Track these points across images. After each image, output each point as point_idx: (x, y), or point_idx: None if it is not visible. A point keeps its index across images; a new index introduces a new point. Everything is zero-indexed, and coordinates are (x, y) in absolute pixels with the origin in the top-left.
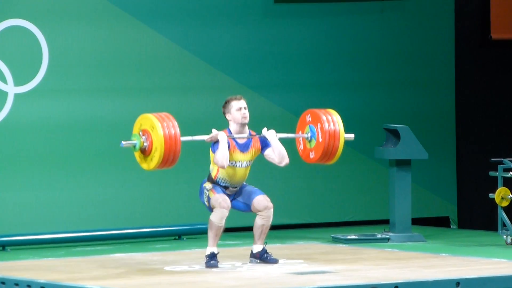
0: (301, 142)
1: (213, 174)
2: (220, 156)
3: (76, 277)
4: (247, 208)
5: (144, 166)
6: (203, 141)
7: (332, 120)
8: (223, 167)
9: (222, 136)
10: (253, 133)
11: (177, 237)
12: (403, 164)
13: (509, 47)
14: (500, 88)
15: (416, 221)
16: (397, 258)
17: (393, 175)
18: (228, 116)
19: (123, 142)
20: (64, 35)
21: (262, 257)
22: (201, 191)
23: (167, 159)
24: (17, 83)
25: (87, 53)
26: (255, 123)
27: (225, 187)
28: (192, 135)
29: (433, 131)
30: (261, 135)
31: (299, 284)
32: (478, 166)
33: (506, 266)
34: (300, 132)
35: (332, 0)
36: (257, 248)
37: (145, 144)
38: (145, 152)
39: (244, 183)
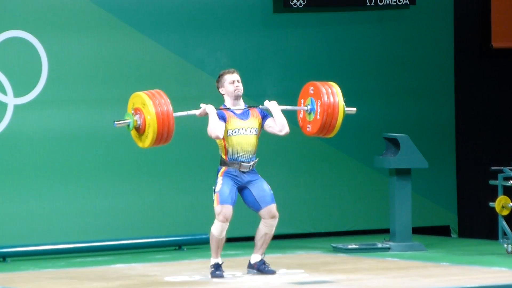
0: (302, 113)
1: (222, 154)
2: (212, 127)
3: None
4: (256, 206)
5: (140, 144)
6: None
7: (332, 93)
8: (217, 137)
9: (210, 108)
10: (249, 106)
11: (177, 247)
12: (403, 173)
13: (510, 56)
14: (500, 97)
15: (417, 230)
16: (398, 267)
17: (393, 184)
18: (221, 90)
19: (116, 122)
20: (64, 46)
21: (260, 268)
22: (215, 182)
23: (161, 136)
24: (17, 94)
25: (86, 64)
26: None
27: (239, 165)
28: (194, 145)
29: (433, 140)
30: (263, 106)
31: None
32: (478, 175)
33: (507, 275)
34: (302, 104)
35: (331, 10)
36: (255, 258)
37: (138, 122)
38: (139, 130)
39: (258, 174)
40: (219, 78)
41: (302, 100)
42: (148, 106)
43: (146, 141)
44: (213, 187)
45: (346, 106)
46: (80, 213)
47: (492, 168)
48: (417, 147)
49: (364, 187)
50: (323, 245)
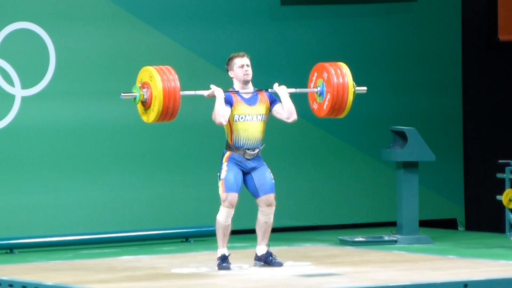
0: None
1: (228, 139)
2: (217, 112)
3: (83, 280)
4: (255, 193)
5: (144, 118)
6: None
7: (341, 73)
8: (220, 124)
9: (218, 92)
10: (258, 89)
11: (184, 240)
12: (410, 166)
13: None
14: (508, 90)
15: (424, 223)
16: (405, 260)
17: (400, 177)
18: (231, 74)
19: (123, 94)
20: (71, 38)
21: (267, 260)
22: (220, 168)
23: (167, 111)
24: (24, 86)
25: (94, 56)
26: None
27: (243, 152)
28: (201, 138)
29: (440, 133)
30: (272, 90)
31: (306, 287)
32: (486, 168)
33: None
34: (312, 86)
35: (339, 2)
36: (261, 250)
37: (145, 96)
38: (145, 104)
39: (263, 161)
40: (229, 61)
41: (312, 82)
42: (156, 80)
43: (151, 116)
44: (218, 173)
45: (356, 86)
46: (87, 205)
47: (500, 161)
48: (425, 140)
49: (371, 180)
50: (330, 237)
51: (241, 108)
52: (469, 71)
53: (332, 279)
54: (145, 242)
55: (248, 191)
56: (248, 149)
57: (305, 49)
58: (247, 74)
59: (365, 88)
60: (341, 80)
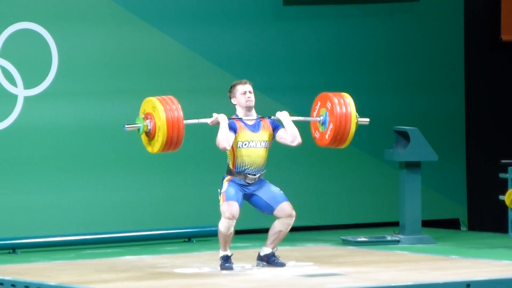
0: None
1: (230, 164)
2: (221, 138)
3: (86, 280)
4: (269, 208)
5: (149, 149)
6: (212, 143)
7: (344, 103)
8: (224, 149)
9: (222, 118)
10: (261, 116)
11: (187, 239)
12: (412, 166)
13: None
14: (510, 90)
15: (426, 223)
16: (407, 260)
17: (402, 177)
18: (233, 101)
19: (127, 126)
20: (73, 38)
21: (270, 260)
22: (220, 187)
23: (171, 142)
24: (27, 86)
25: (96, 56)
26: None
27: (245, 177)
28: (202, 139)
29: (443, 133)
30: (274, 117)
31: (309, 287)
32: (488, 168)
33: None
34: (315, 115)
35: (341, 2)
36: (266, 250)
37: (148, 127)
38: (149, 135)
39: (263, 178)
40: (231, 88)
41: (316, 111)
42: (159, 111)
43: (156, 146)
44: (218, 189)
45: (359, 117)
46: (90, 205)
47: (502, 161)
48: (427, 140)
49: (373, 180)
50: (332, 237)
51: (245, 134)
52: (471, 71)
53: (334, 279)
54: (148, 242)
55: (262, 211)
56: (249, 174)
57: (308, 49)
58: (249, 100)
59: (367, 119)
60: (344, 110)
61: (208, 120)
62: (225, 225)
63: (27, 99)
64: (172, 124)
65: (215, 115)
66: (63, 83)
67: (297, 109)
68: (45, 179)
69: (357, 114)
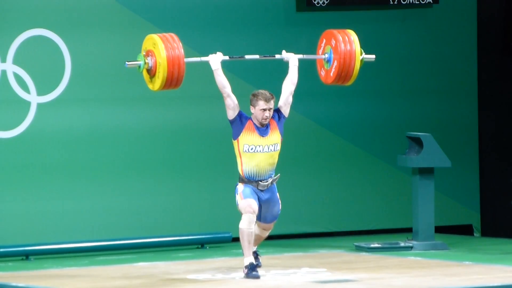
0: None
1: (240, 171)
2: (218, 85)
3: (99, 286)
4: (257, 216)
5: (150, 86)
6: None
7: (349, 40)
8: (222, 87)
9: (214, 63)
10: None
11: (200, 246)
12: (426, 172)
13: None
14: None
15: (439, 229)
16: (420, 266)
17: (416, 183)
18: (252, 109)
19: (127, 63)
20: (86, 45)
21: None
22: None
23: (171, 79)
24: (40, 92)
25: (109, 62)
26: None
27: (257, 184)
28: (217, 144)
29: (456, 139)
30: (280, 56)
31: None
32: (501, 174)
33: None
34: (320, 53)
35: (354, 9)
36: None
37: (149, 64)
38: (150, 72)
39: (276, 193)
40: (255, 97)
41: (321, 49)
42: (160, 48)
43: (157, 83)
44: (234, 192)
45: (365, 54)
46: (103, 211)
47: None
48: (440, 146)
49: (387, 186)
50: (345, 244)
51: (252, 138)
52: (484, 76)
53: (347, 285)
54: (161, 248)
55: None
56: (261, 181)
57: None
58: (265, 119)
59: (373, 56)
60: (348, 47)
61: (207, 59)
62: (245, 220)
63: (40, 105)
64: (172, 61)
65: (211, 56)
66: (76, 90)
67: (310, 115)
68: (59, 185)
69: (362, 50)
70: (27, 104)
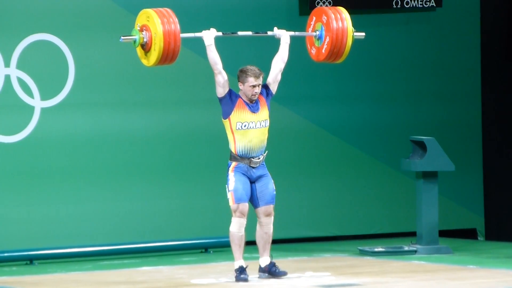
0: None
1: (232, 149)
2: (210, 61)
3: None
4: (255, 202)
5: (145, 62)
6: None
7: (341, 18)
8: (214, 63)
9: (207, 38)
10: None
11: (203, 250)
12: (429, 176)
13: None
14: None
15: (443, 233)
16: (424, 270)
17: (419, 187)
18: (240, 86)
19: (122, 37)
20: (90, 49)
21: (271, 271)
22: (227, 179)
23: (167, 54)
24: (44, 97)
25: (112, 67)
26: (281, 136)
27: (249, 161)
28: (219, 148)
29: (460, 143)
30: (272, 32)
31: None
32: (505, 178)
33: None
34: (311, 30)
35: (357, 12)
36: (264, 261)
37: (144, 39)
38: (145, 47)
39: (267, 170)
40: (242, 73)
41: (311, 27)
42: (156, 23)
43: (152, 58)
44: (226, 185)
45: (355, 31)
46: (107, 216)
47: None
48: (444, 150)
49: (390, 190)
50: (349, 248)
51: (244, 115)
52: (488, 80)
53: None
54: (165, 252)
55: (250, 198)
56: (253, 158)
57: None
58: (254, 95)
59: (363, 33)
60: (340, 25)
61: (201, 34)
62: (236, 224)
63: (44, 110)
64: (168, 35)
65: (205, 32)
66: (79, 94)
67: (313, 119)
68: (62, 190)
69: (353, 28)
70: (31, 108)
